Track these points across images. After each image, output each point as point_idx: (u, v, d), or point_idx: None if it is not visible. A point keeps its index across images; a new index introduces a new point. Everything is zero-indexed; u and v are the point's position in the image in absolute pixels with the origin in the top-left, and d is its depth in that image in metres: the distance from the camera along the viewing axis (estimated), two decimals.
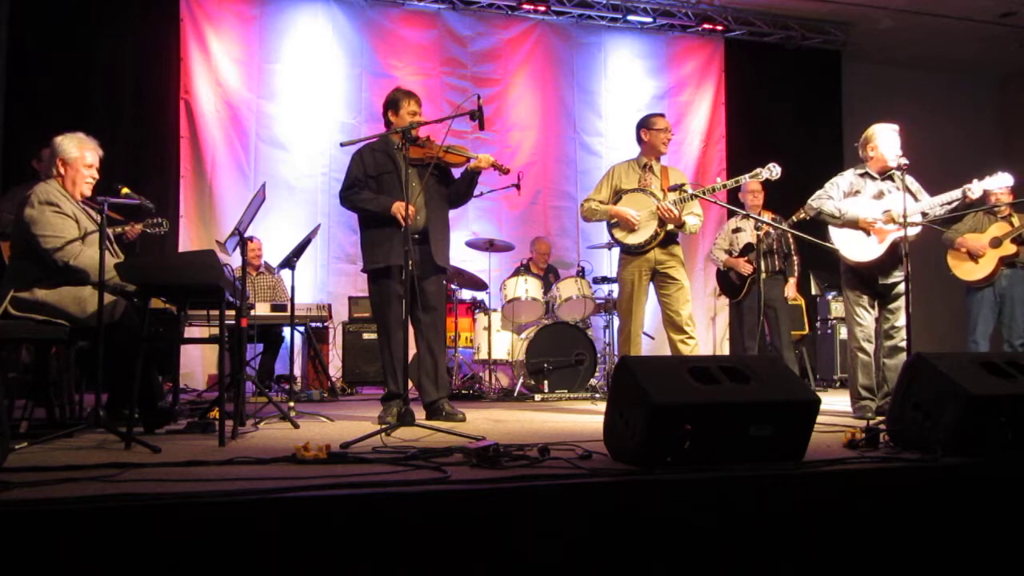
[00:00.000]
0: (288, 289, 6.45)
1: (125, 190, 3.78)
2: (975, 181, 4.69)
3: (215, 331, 3.62)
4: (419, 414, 4.16)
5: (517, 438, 3.34)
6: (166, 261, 4.55)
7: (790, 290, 7.03)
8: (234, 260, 4.47)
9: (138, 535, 1.89)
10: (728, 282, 7.04)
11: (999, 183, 4.70)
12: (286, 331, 6.83)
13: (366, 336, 7.44)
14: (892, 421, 3.05)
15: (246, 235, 4.28)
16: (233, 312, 3.98)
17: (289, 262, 5.34)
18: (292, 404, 4.58)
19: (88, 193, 3.90)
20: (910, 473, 2.60)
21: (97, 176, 3.95)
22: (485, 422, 4.48)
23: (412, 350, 4.90)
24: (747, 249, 6.94)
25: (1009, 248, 6.17)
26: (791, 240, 6.97)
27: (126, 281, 3.65)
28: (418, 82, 8.11)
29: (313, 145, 8.21)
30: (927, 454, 2.73)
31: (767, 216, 6.84)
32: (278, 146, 8.16)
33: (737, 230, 6.98)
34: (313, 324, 7.11)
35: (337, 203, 4.83)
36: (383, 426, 3.59)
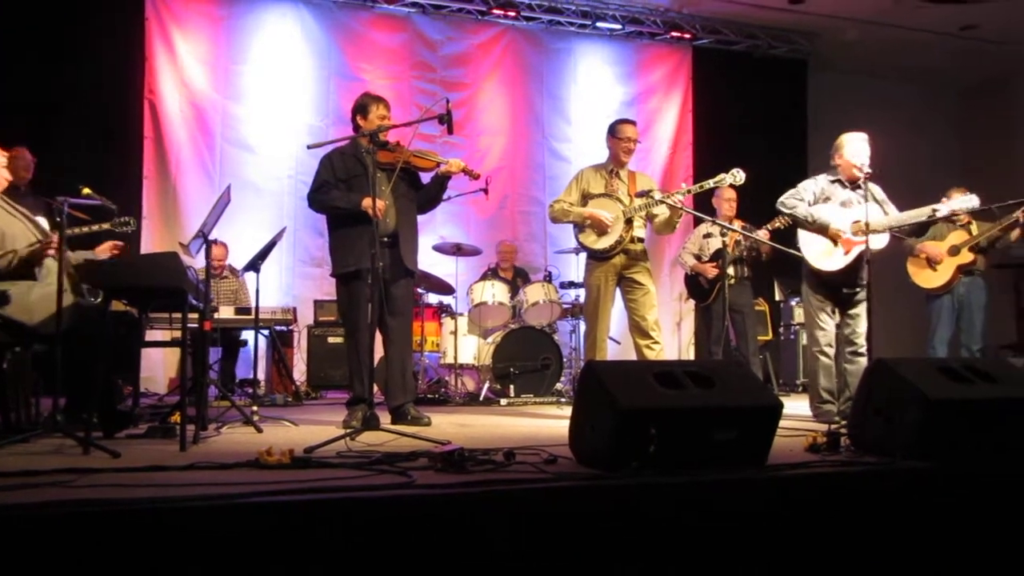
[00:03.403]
0: (251, 292, 6.39)
1: (86, 190, 3.73)
2: (944, 201, 4.79)
3: (177, 334, 3.57)
4: (384, 418, 4.14)
5: (483, 442, 3.33)
6: (128, 263, 4.48)
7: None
8: (198, 262, 4.42)
9: (96, 542, 1.85)
10: (697, 286, 7.09)
11: (967, 205, 4.78)
12: (249, 335, 6.75)
13: (331, 340, 7.39)
14: (853, 425, 3.09)
15: (211, 238, 4.24)
16: (196, 315, 3.93)
17: (254, 265, 5.29)
18: (256, 408, 4.53)
19: None
20: (871, 476, 2.64)
21: (9, 177, 3.91)
22: (451, 426, 4.47)
23: (379, 354, 4.89)
24: (717, 255, 6.99)
25: (967, 256, 6.30)
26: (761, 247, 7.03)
27: (87, 283, 3.60)
28: (387, 86, 8.08)
29: (280, 147, 8.14)
30: (888, 457, 2.77)
31: (738, 224, 6.91)
32: (244, 148, 8.09)
33: (708, 235, 7.04)
34: (278, 327, 7.05)
35: (304, 206, 4.80)
36: (348, 430, 3.57)
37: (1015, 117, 10.39)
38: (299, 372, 7.48)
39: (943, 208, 4.76)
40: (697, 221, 7.11)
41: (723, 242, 6.42)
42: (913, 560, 2.53)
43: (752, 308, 7.16)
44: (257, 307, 5.41)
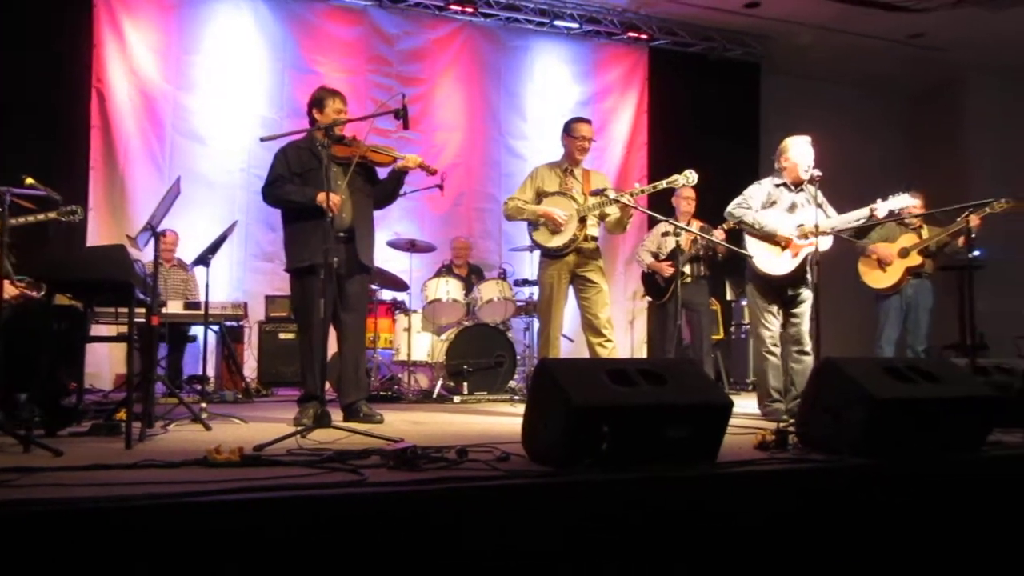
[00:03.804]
0: (199, 286, 6.29)
1: (29, 180, 3.64)
2: (879, 202, 4.90)
3: (124, 329, 3.49)
4: (336, 416, 4.11)
5: (436, 440, 3.32)
6: (73, 256, 4.38)
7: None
8: (146, 255, 4.33)
9: (38, 543, 1.81)
10: (653, 284, 7.15)
11: (901, 204, 4.91)
12: (198, 330, 6.64)
13: (283, 336, 7.30)
14: (801, 423, 3.15)
15: (159, 230, 4.16)
16: (143, 310, 3.86)
17: (204, 259, 5.20)
18: (204, 405, 4.46)
19: None
20: (819, 473, 2.70)
21: None
22: (403, 424, 4.45)
23: (332, 350, 4.84)
24: (675, 253, 7.05)
25: (916, 259, 6.47)
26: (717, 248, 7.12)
27: (30, 276, 3.51)
28: (343, 79, 8.00)
29: (232, 140, 8.02)
30: (835, 455, 2.82)
31: (696, 224, 6.99)
32: (195, 139, 7.95)
33: (666, 234, 7.09)
34: (228, 323, 6.94)
35: (256, 200, 4.73)
36: (299, 428, 3.53)
37: (960, 122, 10.69)
38: (249, 369, 7.38)
39: (881, 208, 4.87)
40: (653, 221, 7.17)
41: (677, 242, 6.48)
42: (859, 555, 2.58)
43: (707, 307, 7.26)
44: (207, 302, 5.32)
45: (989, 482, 2.93)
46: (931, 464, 2.86)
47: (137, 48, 7.79)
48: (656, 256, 7.11)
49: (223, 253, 5.77)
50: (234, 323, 7.10)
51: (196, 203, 7.51)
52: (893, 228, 6.55)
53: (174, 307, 6.43)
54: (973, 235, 5.42)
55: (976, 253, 5.53)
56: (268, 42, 8.30)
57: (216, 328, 6.66)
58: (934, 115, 11.00)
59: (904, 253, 6.48)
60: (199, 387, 6.10)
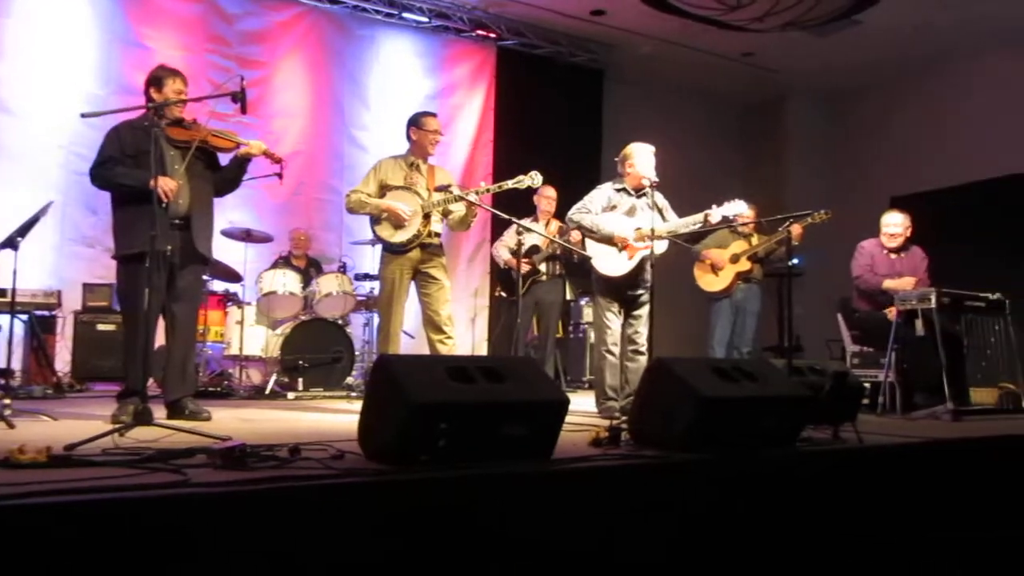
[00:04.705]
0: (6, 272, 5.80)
1: None
2: (714, 207, 5.18)
3: None
4: (160, 413, 3.90)
5: (267, 438, 3.22)
6: None
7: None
8: None
9: None
10: (508, 281, 7.23)
11: (734, 210, 5.22)
12: (3, 320, 6.13)
13: (101, 327, 6.87)
14: (634, 420, 3.27)
15: None
16: None
17: (12, 242, 4.80)
18: (8, 401, 4.12)
19: None
20: (648, 469, 2.81)
21: None
22: (233, 421, 4.31)
23: (159, 343, 4.60)
24: (532, 251, 7.19)
25: (745, 265, 6.93)
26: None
27: None
28: (179, 57, 7.58)
29: (50, 114, 7.41)
30: (664, 451, 2.95)
31: (555, 224, 7.15)
32: (3, 110, 7.32)
33: (522, 232, 7.18)
34: (38, 312, 6.44)
35: (76, 180, 4.45)
36: (117, 426, 3.33)
37: (784, 138, 11.53)
38: (63, 362, 6.88)
39: (715, 213, 5.15)
40: (500, 219, 7.24)
41: (519, 241, 6.58)
42: (686, 547, 2.71)
43: (559, 306, 7.41)
44: (14, 289, 4.92)
45: (801, 474, 3.16)
46: (751, 459, 3.04)
47: None
48: (515, 253, 7.21)
49: (35, 236, 5.34)
50: (45, 312, 6.61)
51: (1, 180, 6.93)
52: (726, 235, 6.97)
53: None
54: (795, 243, 5.83)
55: (795, 261, 5.95)
56: (95, 12, 7.75)
57: (25, 318, 6.17)
58: (763, 129, 11.78)
59: (735, 259, 6.92)
60: (2, 381, 5.63)
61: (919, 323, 5.47)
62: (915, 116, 10.39)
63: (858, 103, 11.12)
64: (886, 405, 5.61)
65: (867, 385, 5.45)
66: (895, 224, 6.28)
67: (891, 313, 5.79)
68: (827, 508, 3.10)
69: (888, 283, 6.07)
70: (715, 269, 6.95)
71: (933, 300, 5.36)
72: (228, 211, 7.86)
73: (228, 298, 7.21)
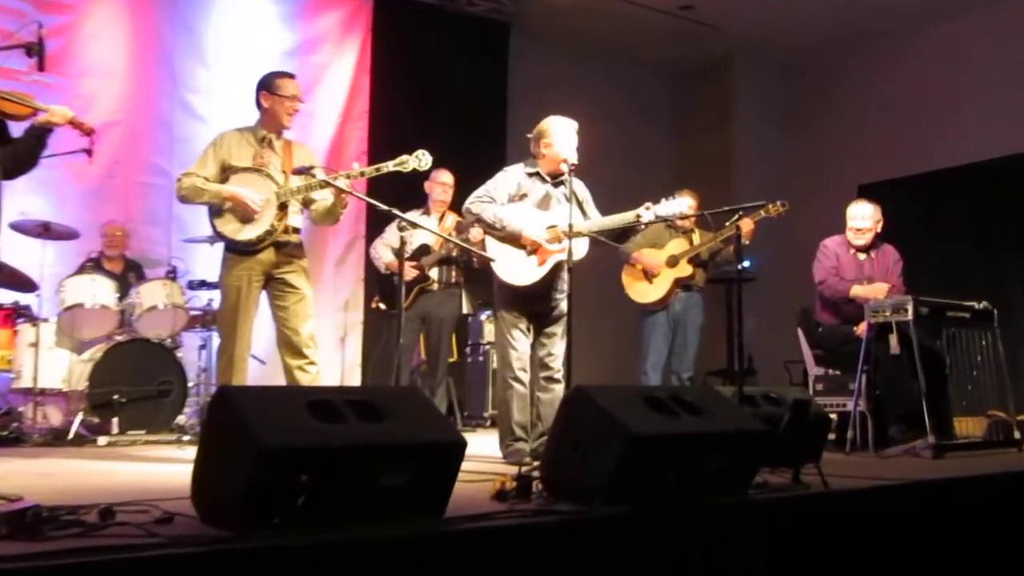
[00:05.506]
0: None
1: None
2: (651, 205, 5.20)
3: None
4: None
5: (70, 497, 3.12)
6: None
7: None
8: None
9: None
10: (389, 289, 7.14)
11: (676, 209, 5.27)
12: None
13: None
14: (547, 466, 3.29)
15: None
16: None
17: None
18: None
19: None
20: (562, 527, 2.83)
21: None
22: (25, 476, 4.19)
23: None
24: (421, 252, 7.11)
25: (685, 269, 6.93)
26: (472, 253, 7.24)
27: None
28: None
29: None
30: (584, 503, 2.98)
31: (452, 216, 7.08)
32: None
33: (403, 228, 7.12)
34: None
35: None
36: None
37: (727, 108, 11.77)
38: None
39: (646, 215, 5.19)
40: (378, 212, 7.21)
41: (404, 239, 6.56)
42: None
43: (453, 322, 7.40)
44: None
45: (755, 529, 3.23)
46: (693, 511, 3.10)
47: None
48: (398, 254, 7.15)
49: None
50: None
51: None
52: (661, 231, 6.97)
53: None
54: (745, 242, 5.89)
55: (746, 264, 6.06)
56: None
57: None
58: (704, 100, 12.05)
59: (673, 262, 6.94)
60: None
61: (893, 339, 5.66)
62: (889, 88, 10.71)
63: (820, 70, 11.49)
64: (856, 440, 5.78)
65: (833, 416, 5.64)
66: (862, 217, 6.46)
67: (859, 329, 5.97)
68: (786, 569, 3.19)
69: (856, 290, 6.25)
70: (648, 275, 6.97)
71: (910, 310, 5.54)
72: (19, 197, 7.61)
73: (18, 313, 7.00)
